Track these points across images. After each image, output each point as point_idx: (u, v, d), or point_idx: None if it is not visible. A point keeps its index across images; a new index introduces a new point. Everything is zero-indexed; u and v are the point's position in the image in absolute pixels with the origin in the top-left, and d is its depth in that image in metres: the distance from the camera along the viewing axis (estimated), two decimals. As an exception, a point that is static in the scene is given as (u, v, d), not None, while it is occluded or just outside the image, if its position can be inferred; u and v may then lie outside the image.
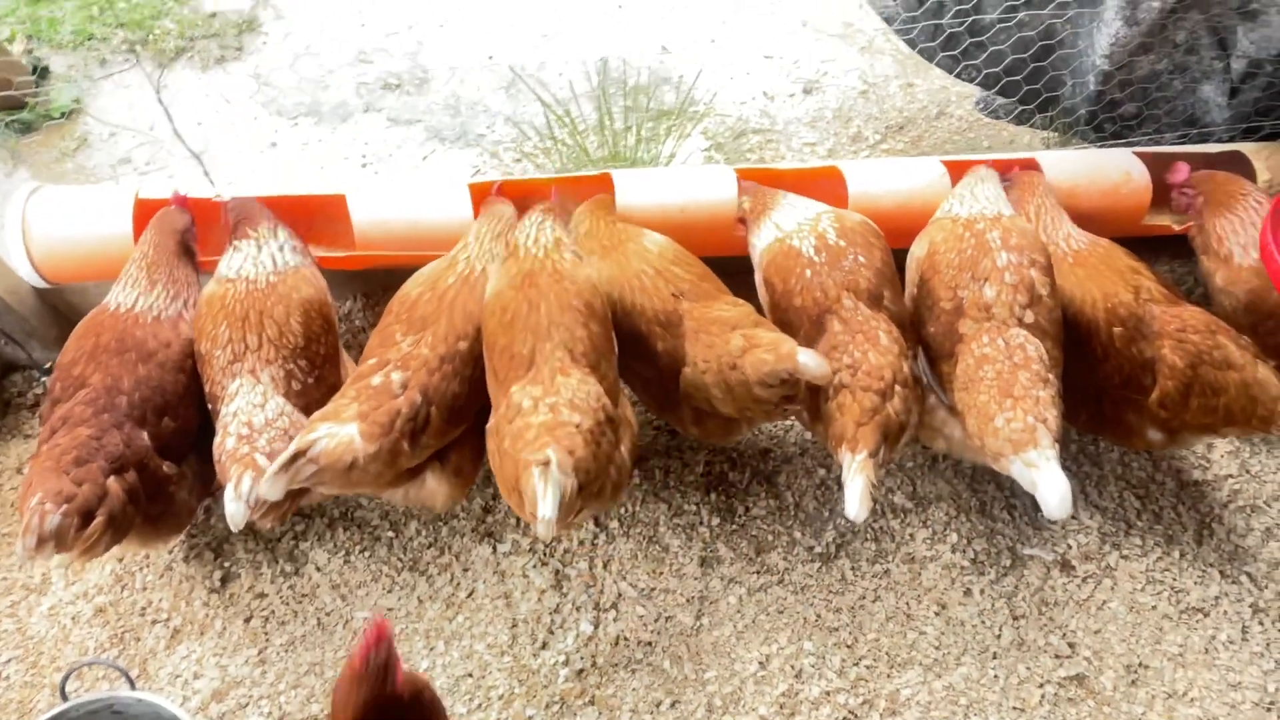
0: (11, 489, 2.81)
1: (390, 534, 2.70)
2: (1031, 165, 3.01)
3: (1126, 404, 2.54)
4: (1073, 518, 2.79)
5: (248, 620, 2.53)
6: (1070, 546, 2.73)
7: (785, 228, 2.61)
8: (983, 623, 2.56)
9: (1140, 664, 2.50)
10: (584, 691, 2.41)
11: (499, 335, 2.26)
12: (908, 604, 2.60)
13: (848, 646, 2.51)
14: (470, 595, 2.59)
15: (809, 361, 2.16)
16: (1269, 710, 2.42)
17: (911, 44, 3.61)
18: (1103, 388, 2.56)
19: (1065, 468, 2.16)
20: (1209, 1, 3.02)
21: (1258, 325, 2.66)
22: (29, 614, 2.55)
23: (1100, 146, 3.50)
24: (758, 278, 2.69)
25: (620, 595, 2.59)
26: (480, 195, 2.82)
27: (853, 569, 2.66)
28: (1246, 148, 3.15)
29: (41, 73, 4.03)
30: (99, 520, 2.07)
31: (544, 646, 2.49)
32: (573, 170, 3.45)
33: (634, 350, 2.48)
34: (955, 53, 3.51)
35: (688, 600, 2.59)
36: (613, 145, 3.54)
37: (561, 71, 4.18)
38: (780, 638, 2.52)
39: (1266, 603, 2.62)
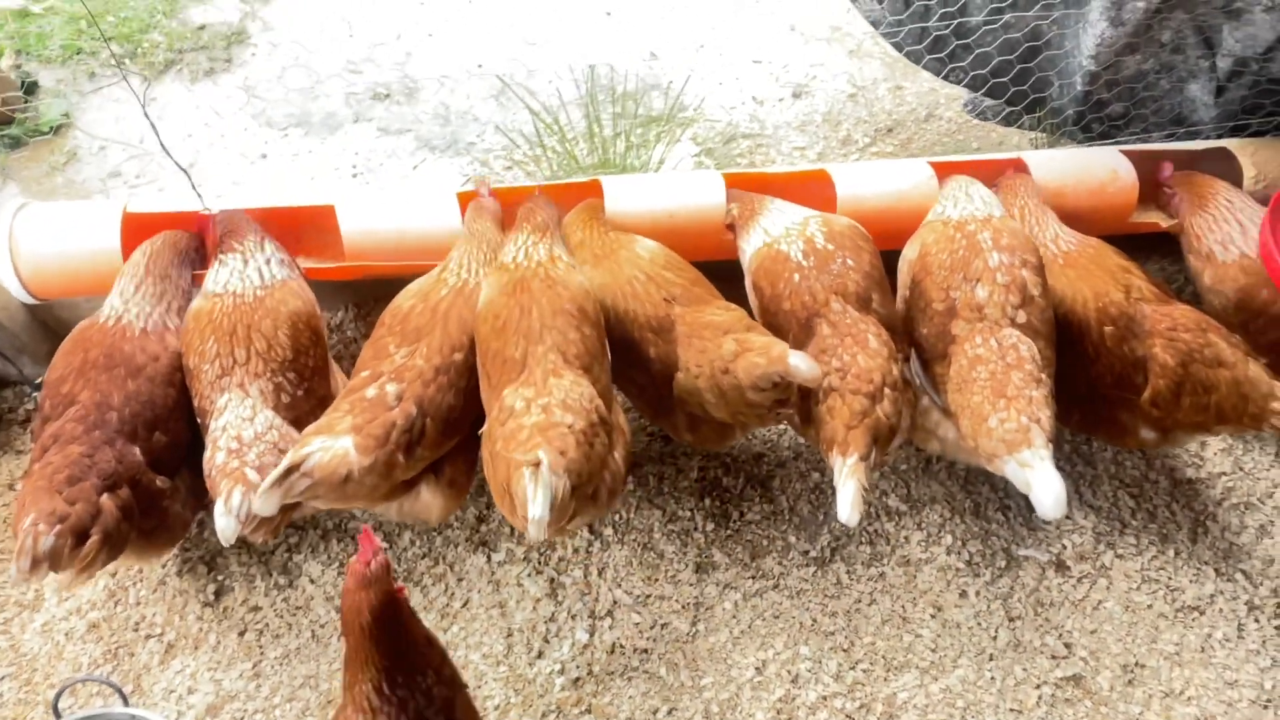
0: (4, 505, 2.80)
1: (384, 545, 2.69)
2: (1019, 165, 3.02)
3: (1119, 403, 2.54)
4: (1067, 518, 2.79)
5: (242, 634, 2.52)
6: (1065, 547, 2.73)
7: (773, 232, 2.61)
8: (979, 624, 2.56)
9: (1137, 663, 2.50)
10: (580, 700, 2.41)
11: (491, 341, 2.25)
12: (903, 607, 2.59)
13: (844, 651, 2.51)
14: (465, 605, 2.58)
15: (800, 364, 2.16)
16: (1266, 708, 2.42)
17: (898, 47, 3.62)
18: (1095, 387, 2.56)
19: (1059, 467, 2.16)
20: (1194, 1, 3.04)
21: (1248, 323, 2.67)
22: (22, 630, 2.54)
23: (1087, 146, 3.51)
24: (748, 282, 2.69)
25: (616, 603, 2.58)
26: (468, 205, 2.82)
27: (848, 572, 2.66)
28: (1232, 144, 3.17)
29: (30, 87, 4.03)
30: (94, 539, 2.06)
31: (540, 655, 2.48)
32: (563, 177, 3.45)
33: (627, 356, 2.48)
34: (942, 55, 3.52)
35: (683, 606, 2.58)
36: (602, 152, 3.55)
37: (551, 79, 4.18)
38: (776, 643, 2.52)
39: (1262, 600, 2.63)
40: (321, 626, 2.54)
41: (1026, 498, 2.19)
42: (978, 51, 3.44)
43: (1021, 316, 2.38)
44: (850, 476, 2.15)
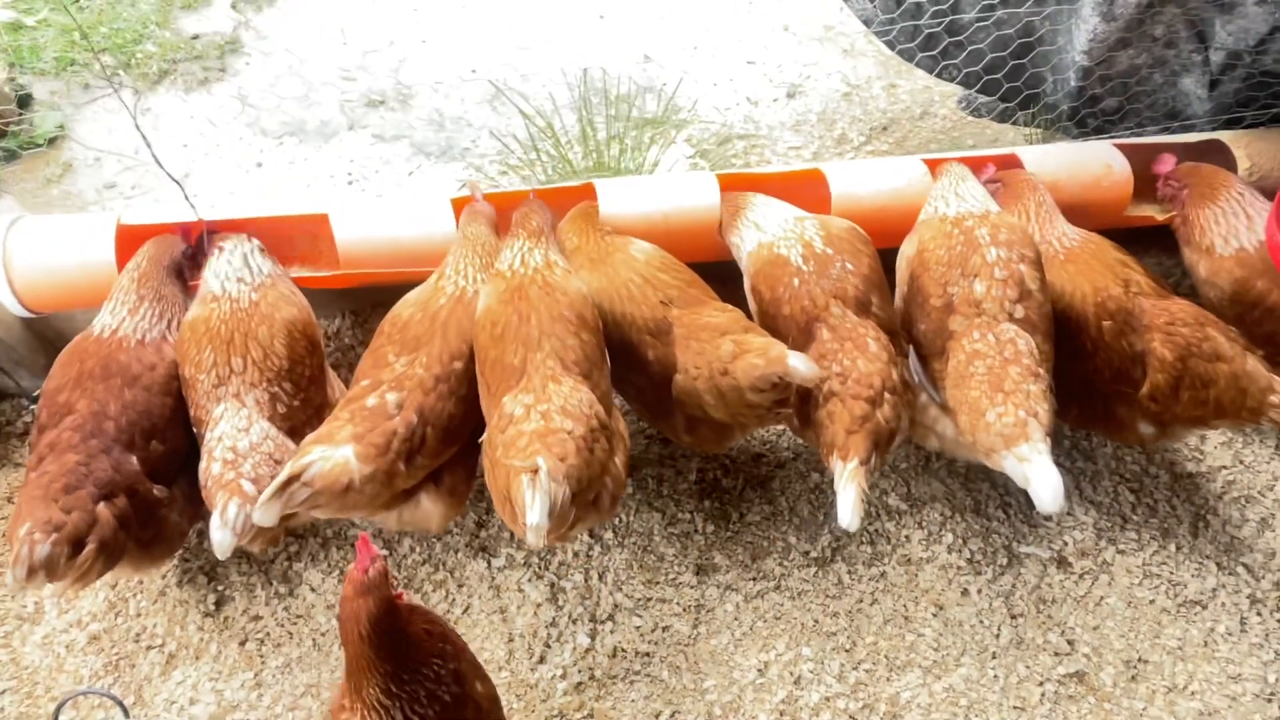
0: (2, 518, 2.79)
1: (384, 552, 2.69)
2: (1012, 161, 3.02)
3: (1117, 398, 2.54)
4: (1068, 514, 2.79)
5: (243, 643, 2.52)
6: (1066, 543, 2.72)
7: (767, 229, 2.61)
8: (981, 622, 2.55)
9: (1140, 659, 2.49)
10: (583, 705, 2.40)
11: (490, 348, 2.25)
12: (905, 606, 2.59)
13: (846, 651, 2.50)
14: (466, 611, 2.57)
15: (799, 364, 2.16)
16: (1270, 701, 2.41)
17: (891, 45, 3.62)
18: (1093, 382, 2.56)
19: (1058, 463, 2.17)
20: (1185, -5, 3.04)
21: (1244, 315, 2.66)
22: (22, 643, 2.53)
23: (1082, 141, 3.51)
24: (746, 285, 2.69)
25: (617, 606, 2.58)
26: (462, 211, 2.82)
27: (849, 572, 2.66)
28: (1226, 136, 3.17)
29: (24, 100, 4.02)
30: (90, 548, 2.06)
31: (541, 660, 2.48)
32: (557, 182, 3.45)
33: (625, 359, 2.48)
34: (934, 53, 3.51)
35: (684, 609, 2.58)
36: (597, 156, 3.54)
37: (545, 84, 4.18)
38: (778, 644, 2.51)
39: (1264, 593, 2.62)
40: (323, 635, 2.53)
41: (1027, 494, 2.19)
42: (970, 48, 3.44)
43: (1019, 311, 2.38)
44: (850, 481, 2.15)
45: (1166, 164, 2.97)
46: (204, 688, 2.44)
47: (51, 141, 3.93)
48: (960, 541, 2.71)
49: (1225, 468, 2.92)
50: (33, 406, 3.00)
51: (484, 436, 2.21)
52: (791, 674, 2.46)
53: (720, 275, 2.69)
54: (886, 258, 2.66)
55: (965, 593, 2.61)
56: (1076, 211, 2.83)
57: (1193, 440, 2.97)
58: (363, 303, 3.15)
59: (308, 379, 2.41)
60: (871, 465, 2.21)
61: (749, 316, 2.51)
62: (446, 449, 2.29)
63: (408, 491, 2.29)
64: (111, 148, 3.89)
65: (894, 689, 2.43)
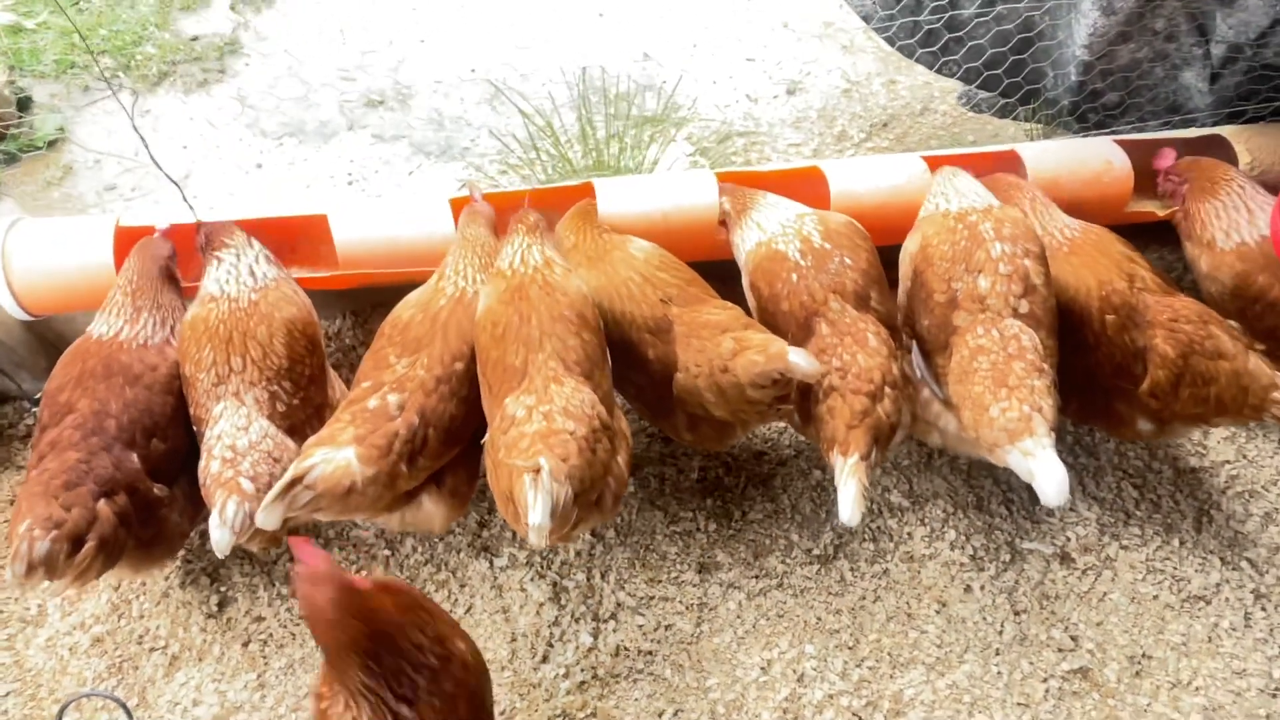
0: (5, 521, 2.80)
1: (386, 552, 2.69)
2: (1012, 158, 3.01)
3: (1117, 393, 2.53)
4: (1071, 509, 2.78)
5: (246, 644, 2.52)
6: (1069, 539, 2.72)
7: (768, 228, 2.61)
8: (984, 619, 2.55)
9: (1144, 654, 2.49)
10: (586, 704, 2.40)
11: (491, 349, 2.25)
12: (908, 603, 2.58)
13: (849, 648, 2.50)
14: (468, 611, 2.57)
15: (799, 360, 2.16)
16: (1274, 696, 2.41)
17: (890, 41, 3.61)
18: (1094, 376, 2.55)
19: (1061, 458, 2.15)
20: (1185, -13, 3.03)
21: (1245, 310, 2.66)
22: (26, 646, 2.54)
23: (1083, 136, 3.50)
24: (745, 282, 2.68)
25: (619, 605, 2.57)
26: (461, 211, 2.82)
27: (852, 570, 2.65)
28: (1227, 131, 3.16)
29: (24, 103, 4.03)
30: (90, 545, 2.05)
31: (544, 660, 2.47)
32: (557, 181, 3.44)
33: (625, 358, 2.48)
34: (934, 49, 3.51)
35: (687, 607, 2.57)
36: (596, 154, 3.54)
37: (544, 83, 4.18)
38: (781, 642, 2.51)
39: (1268, 588, 2.61)
40: (325, 635, 2.53)
41: (1030, 491, 2.19)
42: (970, 44, 3.43)
43: (1024, 306, 2.37)
44: (851, 476, 2.15)
45: (1166, 159, 2.96)
46: (207, 689, 2.44)
47: (51, 144, 3.94)
48: (963, 538, 2.71)
49: (1229, 462, 2.91)
50: (34, 409, 3.01)
51: (486, 438, 2.21)
52: (794, 672, 2.45)
53: (719, 273, 2.69)
54: (886, 255, 2.65)
55: (968, 589, 2.61)
56: (1077, 208, 2.83)
57: (1196, 435, 2.97)
58: (363, 303, 3.15)
59: (307, 378, 2.41)
60: (872, 460, 2.21)
61: (748, 314, 2.51)
62: (448, 450, 2.29)
63: (410, 493, 2.29)
64: (111, 150, 3.89)
65: (897, 686, 2.43)
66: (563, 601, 2.58)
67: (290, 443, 2.29)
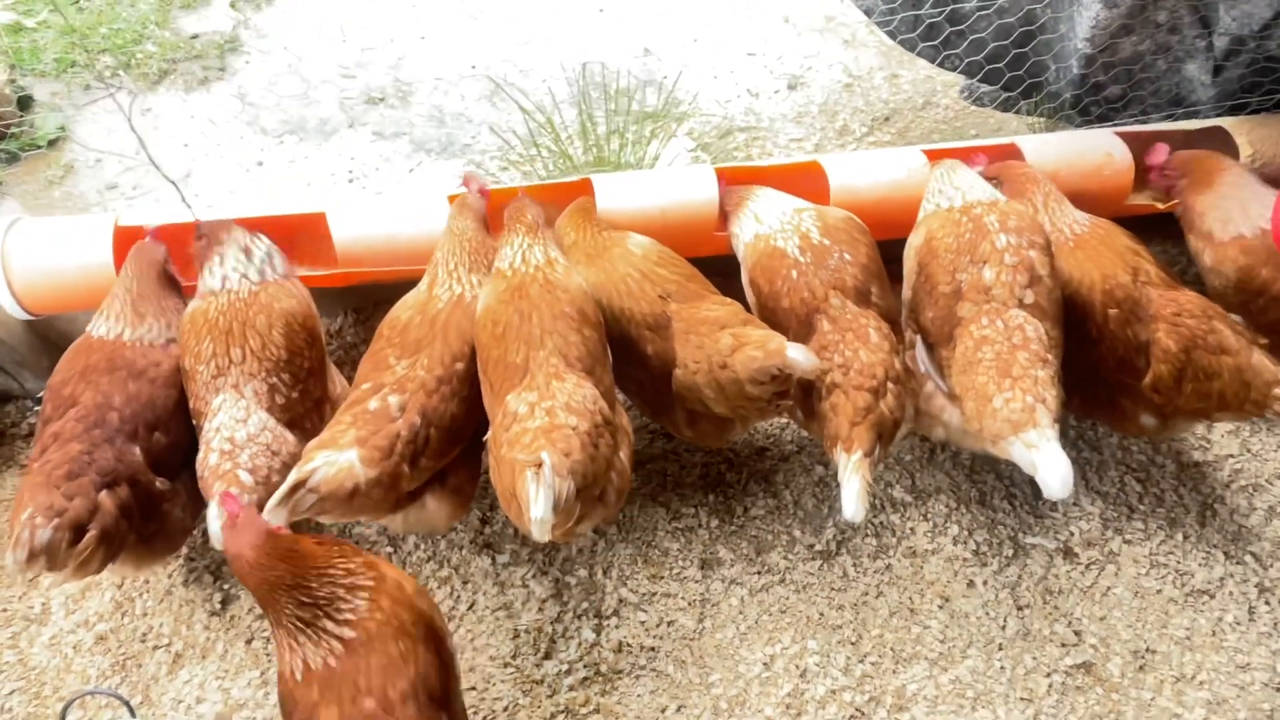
0: (7, 521, 2.80)
1: (389, 549, 2.69)
2: (1012, 151, 3.00)
3: (1120, 388, 2.52)
4: (1074, 504, 2.77)
5: (249, 642, 2.52)
6: (1072, 533, 2.71)
7: (766, 221, 2.60)
8: (987, 614, 2.55)
9: (1147, 649, 2.48)
10: (588, 700, 2.40)
11: (492, 347, 2.25)
12: (911, 598, 2.58)
13: (852, 644, 2.50)
14: (471, 607, 2.57)
15: (798, 356, 2.15)
16: (1279, 690, 2.40)
17: (892, 35, 3.60)
18: (1097, 370, 2.54)
19: (1064, 451, 2.14)
20: (1189, -20, 3.02)
21: (1248, 303, 2.65)
22: (30, 644, 2.54)
23: (1085, 129, 3.49)
24: (744, 279, 2.68)
25: (621, 601, 2.57)
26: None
27: (854, 565, 2.65)
28: (1228, 122, 3.14)
29: (24, 102, 4.03)
30: (91, 534, 2.06)
31: (547, 656, 2.48)
32: (557, 177, 3.44)
33: (625, 355, 2.47)
34: (936, 42, 3.49)
35: (689, 603, 2.57)
36: (597, 150, 3.53)
37: (544, 79, 4.17)
38: (784, 638, 2.51)
39: (1272, 582, 2.61)
40: (328, 633, 2.53)
41: (1032, 485, 2.18)
42: (972, 37, 3.42)
43: (1029, 297, 2.36)
44: (854, 472, 2.14)
45: (1159, 155, 2.93)
46: (210, 687, 2.44)
47: (52, 143, 3.94)
48: (966, 533, 2.70)
49: (1232, 456, 2.90)
50: (37, 408, 3.01)
51: (488, 435, 2.21)
52: (797, 667, 2.45)
53: (719, 269, 2.68)
54: (886, 250, 2.64)
55: (971, 584, 2.60)
56: (1077, 200, 2.81)
57: (1199, 429, 2.96)
58: (365, 300, 3.15)
59: (307, 371, 2.41)
60: (875, 456, 2.20)
61: (748, 310, 2.50)
62: (450, 449, 2.29)
63: (413, 492, 2.28)
64: (112, 149, 3.89)
65: (900, 681, 2.43)
66: (565, 598, 2.58)
67: (289, 436, 2.29)
